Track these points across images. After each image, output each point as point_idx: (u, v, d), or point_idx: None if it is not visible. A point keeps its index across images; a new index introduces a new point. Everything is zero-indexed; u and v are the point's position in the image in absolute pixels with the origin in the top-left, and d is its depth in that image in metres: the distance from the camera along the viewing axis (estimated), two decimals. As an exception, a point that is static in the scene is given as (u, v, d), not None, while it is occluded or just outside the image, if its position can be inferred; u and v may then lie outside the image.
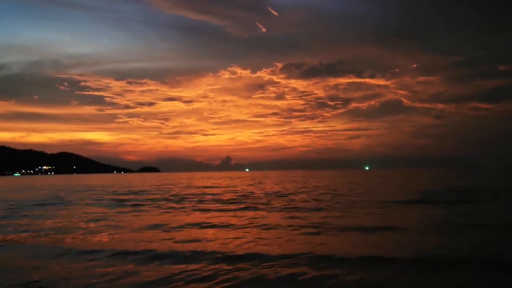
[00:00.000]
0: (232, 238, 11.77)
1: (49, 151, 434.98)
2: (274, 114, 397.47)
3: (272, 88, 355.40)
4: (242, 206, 21.57)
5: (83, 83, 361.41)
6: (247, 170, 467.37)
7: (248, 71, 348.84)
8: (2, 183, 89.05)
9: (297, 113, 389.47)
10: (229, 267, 8.24)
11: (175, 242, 11.25)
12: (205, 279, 7.47)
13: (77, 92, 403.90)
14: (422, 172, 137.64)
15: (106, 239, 11.87)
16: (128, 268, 8.33)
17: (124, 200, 27.67)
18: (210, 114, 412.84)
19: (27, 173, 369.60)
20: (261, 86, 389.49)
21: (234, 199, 26.85)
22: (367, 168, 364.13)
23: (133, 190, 41.94)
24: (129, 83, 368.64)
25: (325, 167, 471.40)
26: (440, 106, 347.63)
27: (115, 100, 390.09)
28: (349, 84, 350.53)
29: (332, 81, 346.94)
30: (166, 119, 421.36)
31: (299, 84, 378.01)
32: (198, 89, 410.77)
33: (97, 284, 7.26)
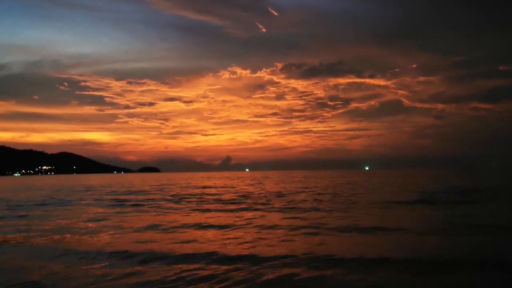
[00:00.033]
0: (232, 238, 11.77)
1: (49, 151, 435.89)
2: (274, 114, 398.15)
3: (272, 88, 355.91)
4: (242, 206, 21.57)
5: (83, 83, 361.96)
6: (247, 170, 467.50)
7: (248, 71, 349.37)
8: (2, 183, 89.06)
9: (297, 113, 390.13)
10: (229, 268, 8.23)
11: (175, 242, 11.25)
12: (204, 279, 7.47)
13: (77, 92, 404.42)
14: (422, 172, 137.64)
15: (106, 240, 11.87)
16: (128, 269, 8.32)
17: (124, 200, 27.66)
18: (210, 114, 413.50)
19: (27, 173, 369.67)
20: (261, 86, 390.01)
21: (234, 199, 26.85)
22: (367, 168, 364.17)
23: (133, 190, 41.94)
24: (129, 83, 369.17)
25: (325, 167, 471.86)
26: (440, 106, 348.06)
27: (115, 100, 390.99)
28: (349, 84, 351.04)
29: (332, 81, 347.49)
30: (166, 119, 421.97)
31: (299, 84, 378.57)
32: (198, 89, 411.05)
33: (97, 284, 7.26)
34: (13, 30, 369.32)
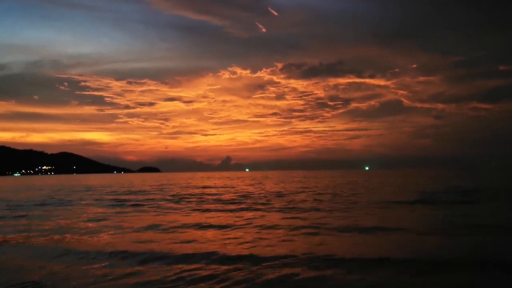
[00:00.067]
0: (232, 238, 11.77)
1: (49, 151, 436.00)
2: (274, 114, 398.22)
3: (272, 88, 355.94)
4: (242, 206, 21.57)
5: (83, 83, 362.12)
6: (247, 170, 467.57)
7: (248, 71, 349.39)
8: (2, 183, 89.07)
9: (297, 113, 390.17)
10: (229, 268, 8.24)
11: (175, 242, 11.25)
12: (204, 279, 7.47)
13: (77, 92, 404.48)
14: (422, 172, 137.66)
15: (106, 240, 11.87)
16: (128, 269, 8.32)
17: (124, 200, 27.66)
18: (210, 114, 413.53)
19: (27, 173, 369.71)
20: (261, 86, 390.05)
21: (234, 199, 26.85)
22: (367, 168, 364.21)
23: (133, 190, 41.94)
24: (129, 83, 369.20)
25: (325, 167, 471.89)
26: (440, 106, 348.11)
27: (115, 100, 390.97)
28: (349, 84, 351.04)
29: (332, 81, 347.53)
30: (166, 119, 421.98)
31: (299, 84, 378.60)
32: (198, 89, 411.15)
33: (97, 284, 7.26)
34: (13, 30, 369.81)
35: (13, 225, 15.44)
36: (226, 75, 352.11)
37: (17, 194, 38.04)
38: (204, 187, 45.95)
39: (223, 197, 29.16)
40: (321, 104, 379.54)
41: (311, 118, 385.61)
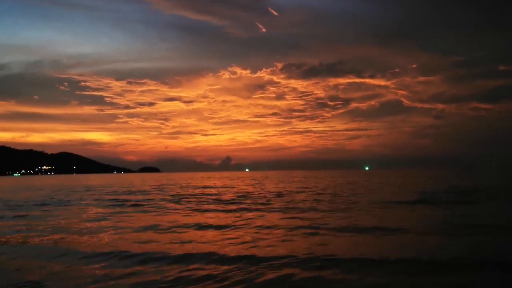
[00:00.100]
0: (232, 238, 11.77)
1: (49, 151, 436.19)
2: (274, 114, 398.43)
3: (272, 88, 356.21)
4: (241, 206, 21.56)
5: (83, 83, 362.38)
6: (247, 170, 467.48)
7: (248, 71, 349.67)
8: (2, 183, 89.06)
9: (297, 113, 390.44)
10: (229, 268, 8.23)
11: (175, 242, 11.25)
12: (204, 279, 7.47)
13: (77, 92, 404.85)
14: (422, 172, 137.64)
15: (106, 240, 11.87)
16: (128, 269, 8.32)
17: (124, 200, 27.66)
18: (210, 114, 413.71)
19: (27, 173, 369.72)
20: (261, 86, 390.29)
21: (233, 199, 26.84)
22: (367, 168, 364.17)
23: (133, 190, 41.94)
24: (129, 83, 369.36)
25: (325, 167, 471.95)
26: (440, 106, 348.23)
27: (115, 100, 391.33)
28: (349, 84, 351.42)
29: (332, 81, 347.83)
30: (166, 119, 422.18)
31: (299, 84, 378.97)
32: (198, 89, 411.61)
33: (97, 284, 7.26)
34: (13, 30, 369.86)
35: (13, 225, 15.44)
36: (226, 75, 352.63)
37: (17, 194, 38.04)
38: (204, 187, 45.94)
39: (223, 197, 29.15)
40: (321, 104, 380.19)
41: (311, 118, 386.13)
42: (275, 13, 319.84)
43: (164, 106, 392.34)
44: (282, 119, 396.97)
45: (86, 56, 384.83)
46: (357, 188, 38.34)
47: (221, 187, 46.51)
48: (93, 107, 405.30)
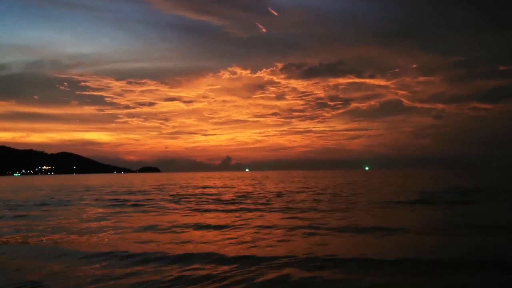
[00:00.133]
0: (231, 238, 11.76)
1: (49, 151, 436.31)
2: (274, 114, 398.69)
3: (272, 88, 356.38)
4: (241, 206, 21.56)
5: (83, 83, 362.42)
6: (247, 170, 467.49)
7: (248, 71, 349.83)
8: (2, 183, 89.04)
9: (297, 113, 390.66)
10: (228, 268, 8.23)
11: (175, 242, 11.25)
12: (204, 279, 7.46)
13: (77, 92, 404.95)
14: (422, 172, 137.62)
15: (106, 240, 11.87)
16: (128, 269, 8.32)
17: (124, 200, 27.66)
18: (210, 114, 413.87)
19: (27, 173, 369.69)
20: (261, 86, 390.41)
21: (233, 199, 26.84)
22: (367, 168, 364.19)
23: (133, 190, 41.93)
24: (129, 83, 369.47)
25: (325, 167, 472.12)
26: (440, 106, 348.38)
27: (115, 100, 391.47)
28: (349, 84, 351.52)
29: (332, 81, 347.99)
30: (166, 119, 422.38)
31: (299, 84, 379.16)
32: (198, 89, 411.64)
33: (96, 284, 7.25)
34: (13, 30, 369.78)
35: (12, 225, 15.44)
36: (226, 75, 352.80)
37: (17, 194, 38.03)
38: (204, 187, 45.94)
39: (222, 197, 29.15)
40: (321, 104, 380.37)
41: (311, 118, 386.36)
42: (275, 13, 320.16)
43: (164, 106, 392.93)
44: (282, 119, 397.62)
45: (86, 56, 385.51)
46: (357, 188, 38.33)
47: (221, 187, 46.50)
48: (93, 107, 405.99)
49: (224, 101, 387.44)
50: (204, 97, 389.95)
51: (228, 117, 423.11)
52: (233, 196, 30.02)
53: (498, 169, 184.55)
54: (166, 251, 9.94)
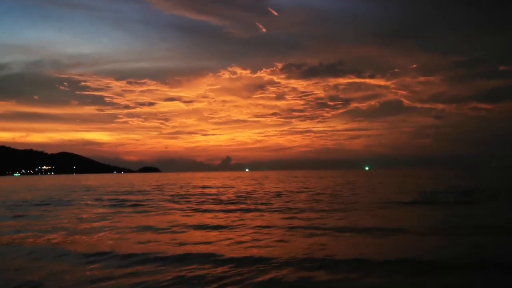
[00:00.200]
0: (230, 239, 11.75)
1: (49, 151, 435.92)
2: (274, 114, 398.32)
3: (272, 88, 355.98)
4: (241, 206, 21.55)
5: (83, 83, 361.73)
6: (247, 170, 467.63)
7: (248, 71, 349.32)
8: (1, 183, 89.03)
9: (297, 113, 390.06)
10: (227, 269, 8.22)
11: (174, 242, 11.23)
12: (203, 280, 7.45)
13: (77, 92, 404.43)
14: (422, 172, 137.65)
15: (105, 240, 11.85)
16: (127, 269, 8.31)
17: (124, 200, 27.65)
18: (210, 114, 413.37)
19: (27, 173, 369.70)
20: (261, 86, 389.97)
21: (233, 199, 26.84)
22: (367, 168, 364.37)
23: (133, 190, 41.93)
24: (129, 83, 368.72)
25: (325, 167, 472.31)
26: (440, 106, 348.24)
27: (115, 100, 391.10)
28: (349, 84, 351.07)
29: (332, 81, 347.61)
30: (166, 119, 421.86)
31: (299, 84, 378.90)
32: (198, 89, 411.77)
33: (96, 284, 7.24)
34: (13, 30, 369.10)
35: (12, 226, 15.42)
36: (226, 75, 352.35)
37: (16, 194, 38.02)
38: (204, 187, 45.94)
39: (222, 197, 29.15)
40: (321, 104, 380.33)
41: (311, 118, 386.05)
42: (275, 13, 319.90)
43: (164, 106, 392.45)
44: (282, 119, 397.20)
45: (86, 56, 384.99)
46: (357, 188, 38.33)
47: (221, 187, 46.51)
48: (93, 107, 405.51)
49: (224, 101, 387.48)
50: (204, 97, 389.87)
51: (228, 117, 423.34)
52: (233, 196, 30.02)
53: (498, 169, 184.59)
54: (166, 251, 9.93)
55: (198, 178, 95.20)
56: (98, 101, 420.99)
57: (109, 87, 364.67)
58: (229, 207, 21.41)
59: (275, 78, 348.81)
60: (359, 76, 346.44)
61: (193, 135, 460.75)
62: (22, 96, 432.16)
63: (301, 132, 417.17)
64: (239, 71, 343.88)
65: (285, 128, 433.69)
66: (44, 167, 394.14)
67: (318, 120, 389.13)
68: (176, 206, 22.67)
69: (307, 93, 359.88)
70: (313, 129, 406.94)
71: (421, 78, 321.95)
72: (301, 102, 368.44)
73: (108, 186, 53.30)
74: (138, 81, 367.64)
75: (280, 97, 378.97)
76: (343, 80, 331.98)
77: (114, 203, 25.11)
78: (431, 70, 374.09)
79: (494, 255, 9.24)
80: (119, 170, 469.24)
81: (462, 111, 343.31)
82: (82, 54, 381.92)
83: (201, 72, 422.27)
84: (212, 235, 12.52)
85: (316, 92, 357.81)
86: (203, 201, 25.55)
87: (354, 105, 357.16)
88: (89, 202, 26.37)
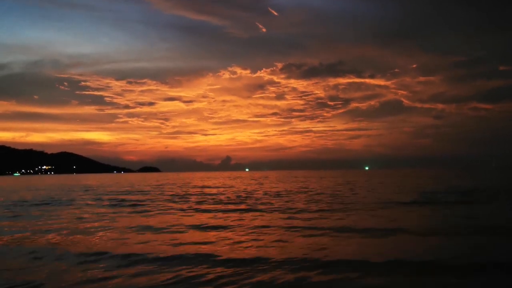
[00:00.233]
0: (230, 239, 11.74)
1: (49, 151, 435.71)
2: (274, 114, 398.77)
3: (272, 88, 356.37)
4: (241, 207, 21.54)
5: (83, 83, 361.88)
6: (247, 170, 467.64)
7: (248, 71, 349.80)
8: (1, 183, 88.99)
9: (297, 113, 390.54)
10: (227, 270, 8.20)
11: (174, 243, 11.22)
12: (201, 280, 7.44)
13: (77, 92, 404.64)
14: (422, 172, 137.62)
15: (105, 240, 11.84)
16: (126, 269, 8.29)
17: (123, 200, 27.63)
18: (210, 114, 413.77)
19: (27, 173, 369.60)
20: (261, 86, 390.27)
21: (233, 199, 26.82)
22: (367, 168, 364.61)
23: (133, 190, 41.91)
24: (129, 83, 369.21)
25: (325, 167, 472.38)
26: (440, 106, 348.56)
27: (115, 100, 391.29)
28: (349, 84, 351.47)
29: (332, 81, 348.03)
30: (166, 119, 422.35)
31: (299, 84, 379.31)
32: (198, 89, 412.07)
33: (95, 284, 7.23)
34: (13, 30, 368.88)
35: (11, 226, 15.42)
36: (226, 75, 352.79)
37: (16, 194, 38.01)
38: (204, 187, 45.92)
39: (222, 197, 29.13)
40: (321, 104, 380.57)
41: (311, 118, 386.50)
42: (275, 13, 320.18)
43: (164, 106, 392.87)
44: (282, 119, 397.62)
45: (86, 56, 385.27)
46: (356, 188, 38.32)
47: (221, 187, 46.49)
48: (93, 107, 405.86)
49: (224, 101, 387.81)
50: (204, 97, 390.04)
51: (228, 117, 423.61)
52: (233, 196, 30.00)
53: (498, 169, 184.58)
54: (165, 251, 9.92)
55: (198, 178, 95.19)
56: (98, 101, 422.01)
57: (109, 87, 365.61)
58: (229, 207, 21.39)
59: (275, 78, 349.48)
60: (359, 76, 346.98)
61: (193, 135, 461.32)
62: (22, 96, 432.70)
63: (301, 132, 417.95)
64: (239, 71, 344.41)
65: (285, 128, 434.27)
66: (44, 167, 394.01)
67: (318, 120, 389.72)
68: (176, 206, 22.65)
69: (307, 93, 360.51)
70: (313, 129, 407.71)
71: (421, 78, 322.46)
72: (301, 102, 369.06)
73: (108, 186, 53.28)
74: (138, 81, 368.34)
75: (280, 97, 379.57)
76: (343, 80, 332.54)
77: (114, 203, 25.10)
78: (431, 70, 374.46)
79: (494, 255, 9.23)
80: (119, 170, 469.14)
81: (462, 111, 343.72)
82: (82, 54, 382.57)
83: (201, 72, 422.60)
84: (212, 235, 12.51)
85: (316, 92, 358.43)
86: (202, 201, 25.54)
87: (354, 105, 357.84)
88: (89, 202, 26.35)
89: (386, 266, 8.22)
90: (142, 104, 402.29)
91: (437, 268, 8.06)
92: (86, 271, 8.16)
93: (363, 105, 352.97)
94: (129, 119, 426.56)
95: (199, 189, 41.18)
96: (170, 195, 31.78)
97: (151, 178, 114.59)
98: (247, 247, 10.42)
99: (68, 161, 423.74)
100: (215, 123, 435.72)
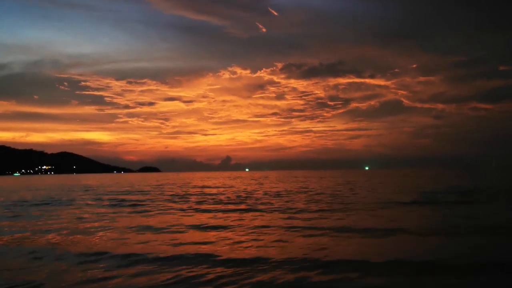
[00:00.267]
0: (230, 239, 11.74)
1: (49, 151, 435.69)
2: (274, 114, 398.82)
3: (272, 88, 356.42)
4: (241, 207, 21.54)
5: (83, 83, 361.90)
6: (247, 170, 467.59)
7: (248, 71, 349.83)
8: (1, 183, 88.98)
9: (297, 113, 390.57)
10: (227, 270, 8.20)
11: (173, 243, 11.22)
12: (201, 280, 7.44)
13: (77, 92, 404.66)
14: (422, 172, 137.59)
15: (105, 240, 11.84)
16: (126, 269, 8.29)
17: (123, 200, 27.63)
18: (210, 114, 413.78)
19: (27, 173, 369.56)
20: (261, 86, 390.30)
21: (233, 199, 26.82)
22: (367, 168, 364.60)
23: (133, 190, 41.91)
24: (129, 83, 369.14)
25: (325, 167, 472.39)
26: (440, 106, 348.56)
27: (115, 100, 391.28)
28: (349, 84, 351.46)
29: (332, 81, 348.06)
30: (166, 119, 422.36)
31: (299, 84, 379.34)
32: (198, 89, 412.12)
33: (95, 284, 7.23)
34: (13, 30, 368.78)
35: (11, 226, 15.42)
36: (226, 75, 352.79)
37: (16, 194, 38.01)
38: (204, 187, 45.92)
39: (222, 197, 29.13)
40: (321, 104, 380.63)
41: (311, 118, 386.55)
42: (275, 13, 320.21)
43: (164, 106, 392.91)
44: (282, 119, 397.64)
45: (86, 56, 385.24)
46: (356, 188, 38.31)
47: (221, 187, 46.49)
48: (93, 107, 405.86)
49: (224, 101, 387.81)
50: (204, 97, 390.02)
51: (228, 117, 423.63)
52: (233, 196, 30.00)
53: (498, 169, 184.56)
54: (165, 251, 9.92)
55: (198, 178, 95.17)
56: (98, 101, 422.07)
57: (109, 87, 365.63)
58: (229, 207, 21.39)
59: (275, 78, 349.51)
60: (359, 76, 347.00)
61: (193, 135, 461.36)
62: (22, 96, 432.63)
63: (301, 132, 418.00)
64: (239, 71, 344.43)
65: (285, 128, 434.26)
66: (44, 167, 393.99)
67: (318, 120, 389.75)
68: (176, 206, 22.65)
69: (307, 93, 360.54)
70: (313, 129, 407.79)
71: (421, 78, 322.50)
72: (301, 102, 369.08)
73: (108, 186, 53.28)
74: (138, 81, 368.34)
75: (280, 97, 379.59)
76: (343, 80, 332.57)
77: (114, 203, 25.10)
78: (431, 70, 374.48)
79: (494, 255, 9.23)
80: (119, 170, 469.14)
81: (462, 111, 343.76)
82: (82, 54, 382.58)
83: (201, 72, 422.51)
84: (212, 235, 12.51)
85: (316, 92, 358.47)
86: (202, 201, 25.54)
87: (354, 105, 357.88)
88: (89, 202, 26.35)
89: (386, 266, 8.22)
90: (142, 104, 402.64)
91: (437, 268, 8.06)
92: (86, 271, 8.16)
93: (363, 105, 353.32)
94: (129, 119, 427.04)
95: (199, 189, 41.17)
96: (170, 195, 31.78)
97: (151, 178, 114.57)
98: (247, 247, 10.42)
99: (68, 161, 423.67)
100: (215, 123, 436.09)
